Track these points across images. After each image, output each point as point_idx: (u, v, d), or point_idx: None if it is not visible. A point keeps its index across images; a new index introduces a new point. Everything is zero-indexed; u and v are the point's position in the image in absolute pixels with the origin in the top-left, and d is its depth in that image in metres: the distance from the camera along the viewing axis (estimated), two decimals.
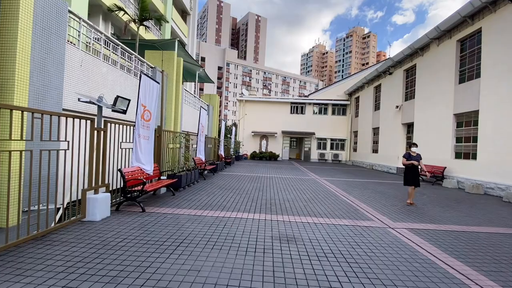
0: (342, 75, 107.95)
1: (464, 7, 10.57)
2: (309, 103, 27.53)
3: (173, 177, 7.10)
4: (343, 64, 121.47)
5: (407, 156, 7.14)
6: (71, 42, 5.90)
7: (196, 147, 10.19)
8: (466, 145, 11.01)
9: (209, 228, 4.21)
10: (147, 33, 16.31)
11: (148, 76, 6.01)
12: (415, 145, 7.33)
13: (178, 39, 14.36)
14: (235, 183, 9.49)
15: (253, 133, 26.95)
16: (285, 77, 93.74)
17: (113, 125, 5.14)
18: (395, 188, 9.93)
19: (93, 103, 4.45)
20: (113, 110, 4.94)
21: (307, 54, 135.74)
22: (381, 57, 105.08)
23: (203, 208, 5.50)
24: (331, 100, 27.20)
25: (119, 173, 5.05)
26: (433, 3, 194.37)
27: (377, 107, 20.63)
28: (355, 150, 25.21)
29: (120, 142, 5.46)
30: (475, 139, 10.49)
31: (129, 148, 5.82)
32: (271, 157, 25.34)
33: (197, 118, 11.20)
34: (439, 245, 3.95)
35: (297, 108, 27.75)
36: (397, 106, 16.67)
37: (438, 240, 4.23)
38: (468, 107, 10.81)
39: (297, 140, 31.30)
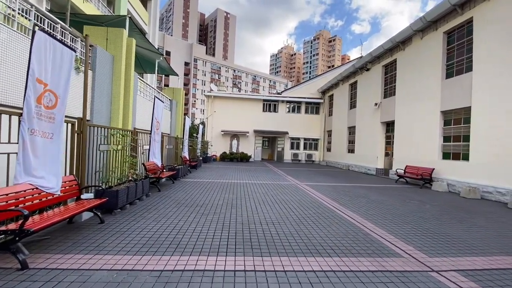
0: (310, 76, 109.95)
1: None
2: (282, 101, 26.12)
3: (103, 194, 4.78)
4: (310, 66, 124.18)
5: None
6: None
7: (149, 149, 7.86)
8: (455, 144, 10.20)
9: None
10: (86, 3, 13.09)
11: (50, 35, 3.67)
12: None
13: (129, 15, 11.70)
14: (199, 195, 7.36)
15: (223, 132, 24.76)
16: (255, 75, 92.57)
17: None
18: (387, 195, 8.64)
19: None
20: None
21: (276, 54, 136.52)
22: (345, 60, 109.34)
23: (142, 250, 3.37)
24: (304, 98, 26.10)
25: None
26: (385, 16, 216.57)
27: (353, 105, 19.83)
28: (329, 150, 24.38)
29: None
30: (466, 138, 9.68)
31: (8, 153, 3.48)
32: (243, 158, 23.41)
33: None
34: None
35: (270, 106, 26.17)
36: (376, 104, 15.83)
37: None
38: (458, 103, 9.99)
39: (270, 140, 29.78)
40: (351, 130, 19.77)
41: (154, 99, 7.92)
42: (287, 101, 26.24)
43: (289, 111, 26.41)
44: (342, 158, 20.67)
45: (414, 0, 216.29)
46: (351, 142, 19.66)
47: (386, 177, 14.42)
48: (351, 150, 19.58)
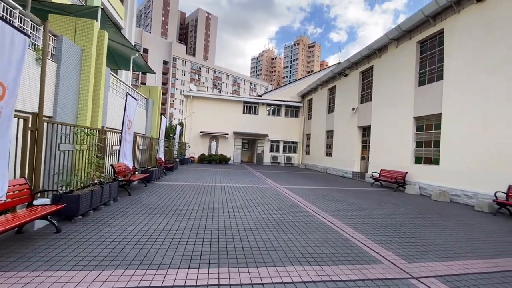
0: (290, 80, 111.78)
1: (428, 6, 10.18)
2: (262, 103, 26.08)
3: (60, 199, 4.26)
4: (290, 70, 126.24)
5: None
6: None
7: (119, 150, 7.30)
8: (427, 149, 10.63)
9: None
10: None
11: None
12: None
13: (101, 7, 10.96)
14: (173, 199, 6.94)
15: (201, 134, 24.16)
16: (236, 77, 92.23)
17: None
18: (364, 198, 8.76)
19: None
20: None
21: (257, 58, 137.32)
22: (324, 66, 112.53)
23: (102, 264, 2.97)
24: (285, 101, 26.27)
25: None
26: (361, 26, 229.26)
27: (331, 109, 20.23)
28: (307, 153, 24.67)
29: None
30: (436, 144, 10.12)
31: None
32: (222, 160, 22.97)
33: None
34: None
35: (250, 108, 26.01)
36: (353, 109, 16.22)
37: None
38: (429, 110, 10.45)
39: (250, 142, 29.59)
40: (329, 134, 20.14)
41: (126, 96, 7.39)
42: (268, 104, 26.25)
43: (269, 114, 26.42)
44: (320, 161, 20.98)
45: (387, 13, 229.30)
46: (329, 145, 20.01)
47: (362, 180, 14.77)
48: (329, 154, 19.92)
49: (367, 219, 5.86)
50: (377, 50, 13.99)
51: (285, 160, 25.75)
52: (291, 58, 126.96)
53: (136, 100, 9.13)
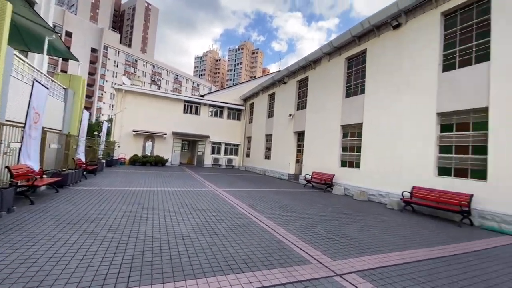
0: (233, 83, 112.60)
1: (355, 27, 11.52)
2: (205, 104, 25.38)
3: None
4: (234, 74, 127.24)
5: None
6: None
7: (20, 148, 5.93)
8: (351, 154, 11.96)
9: None
10: None
11: None
12: None
13: None
14: (92, 207, 6.00)
15: (135, 132, 22.00)
16: (177, 75, 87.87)
17: None
18: (298, 199, 9.27)
19: None
20: None
21: (201, 57, 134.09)
22: (266, 73, 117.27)
23: None
24: (227, 103, 26.17)
25: None
26: (299, 39, 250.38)
27: (270, 114, 21.03)
28: (248, 155, 25.06)
29: None
30: (359, 149, 11.47)
31: None
32: (158, 162, 21.34)
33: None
34: None
35: (192, 107, 24.99)
36: (290, 115, 17.19)
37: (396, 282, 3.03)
38: (353, 119, 11.79)
39: (190, 143, 28.39)
40: (268, 137, 20.88)
41: (33, 83, 6.10)
42: (210, 105, 25.68)
43: (211, 115, 25.89)
44: (260, 164, 21.54)
45: (322, 30, 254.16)
46: (268, 149, 20.73)
47: (296, 182, 15.73)
48: (267, 157, 20.62)
49: (299, 220, 6.15)
50: (312, 62, 15.18)
51: (226, 162, 25.57)
52: (235, 61, 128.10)
53: (47, 89, 7.65)
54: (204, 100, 25.54)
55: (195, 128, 24.39)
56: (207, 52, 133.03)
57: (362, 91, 11.59)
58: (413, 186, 8.62)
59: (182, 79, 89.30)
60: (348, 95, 12.57)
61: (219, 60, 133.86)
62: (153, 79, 79.34)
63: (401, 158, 9.31)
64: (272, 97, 21.16)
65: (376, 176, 10.25)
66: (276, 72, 24.98)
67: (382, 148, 10.12)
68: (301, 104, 16.66)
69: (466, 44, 7.97)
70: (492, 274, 3.76)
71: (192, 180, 12.69)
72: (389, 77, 10.18)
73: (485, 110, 7.22)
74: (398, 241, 5.09)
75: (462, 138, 7.77)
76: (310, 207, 7.87)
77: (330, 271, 3.42)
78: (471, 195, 7.02)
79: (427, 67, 8.78)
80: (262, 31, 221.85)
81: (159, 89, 70.65)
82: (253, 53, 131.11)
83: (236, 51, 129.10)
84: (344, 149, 12.46)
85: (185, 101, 24.74)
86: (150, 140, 22.64)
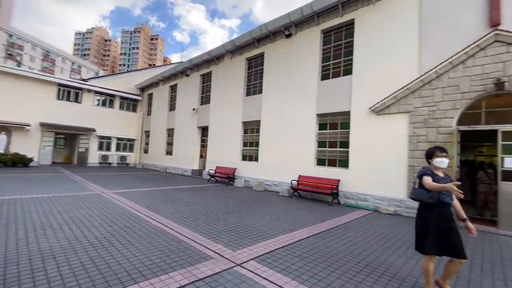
0: (128, 69, 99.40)
1: (254, 30, 12.29)
2: (89, 90, 21.15)
3: None
4: (129, 59, 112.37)
5: (430, 173, 2.96)
6: None
7: None
8: (250, 149, 12.83)
9: None
10: None
11: None
12: (444, 152, 3.02)
13: None
14: None
15: None
16: (48, 51, 69.50)
17: None
18: (201, 195, 9.21)
19: None
20: None
21: (84, 34, 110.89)
22: (167, 62, 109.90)
23: None
24: (120, 92, 22.77)
25: None
26: (203, 33, 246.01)
27: (172, 107, 19.84)
28: (146, 151, 22.83)
29: None
30: (257, 144, 12.43)
31: None
32: (18, 162, 16.33)
33: None
34: (296, 276, 3.18)
35: (70, 93, 20.31)
36: (193, 109, 16.74)
37: (295, 268, 3.50)
38: (253, 117, 12.67)
39: (68, 137, 23.12)
40: (170, 132, 19.67)
41: None
42: (96, 92, 21.65)
43: (98, 104, 21.92)
44: (160, 161, 20.04)
45: (224, 29, 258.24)
46: (170, 144, 19.54)
47: (200, 177, 15.57)
48: (169, 152, 19.43)
49: (201, 216, 6.11)
50: (216, 58, 15.25)
51: (119, 160, 22.38)
52: (130, 45, 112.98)
53: None
54: (88, 85, 21.28)
55: (74, 119, 20.07)
56: (92, 28, 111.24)
57: (260, 91, 12.57)
58: (299, 175, 10.11)
59: (56, 57, 71.24)
60: (248, 93, 13.36)
61: (109, 40, 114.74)
62: (9, 52, 59.72)
63: (291, 151, 10.72)
64: (174, 88, 19.95)
65: (271, 168, 11.41)
66: (178, 62, 23.67)
67: (276, 143, 11.34)
68: (205, 98, 16.49)
69: (337, 59, 9.92)
70: (354, 240, 4.89)
71: (70, 183, 10.44)
72: (282, 80, 11.45)
73: (348, 113, 9.25)
74: (288, 224, 5.86)
75: (333, 135, 9.69)
76: (213, 202, 7.95)
77: (230, 263, 3.56)
78: (339, 180, 8.90)
79: (311, 74, 10.39)
80: (163, 18, 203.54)
81: (19, 66, 53.56)
82: (152, 39, 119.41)
83: (131, 34, 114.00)
84: (245, 144, 13.22)
85: (60, 84, 19.89)
86: (3, 133, 17.03)
